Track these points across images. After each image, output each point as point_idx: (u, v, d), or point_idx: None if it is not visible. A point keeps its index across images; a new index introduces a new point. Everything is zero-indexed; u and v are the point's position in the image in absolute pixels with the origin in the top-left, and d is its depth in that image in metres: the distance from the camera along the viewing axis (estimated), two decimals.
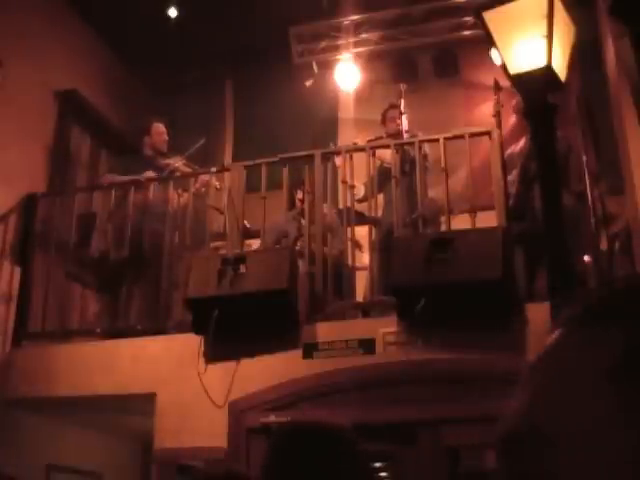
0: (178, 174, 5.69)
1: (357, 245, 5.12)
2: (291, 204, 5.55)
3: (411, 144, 5.19)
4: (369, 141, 5.48)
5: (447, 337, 4.21)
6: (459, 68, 7.32)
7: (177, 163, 5.75)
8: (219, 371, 4.56)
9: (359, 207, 5.19)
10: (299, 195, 5.55)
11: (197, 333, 4.58)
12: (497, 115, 4.83)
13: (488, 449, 3.85)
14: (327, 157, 5.36)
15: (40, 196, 5.81)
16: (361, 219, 5.14)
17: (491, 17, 3.14)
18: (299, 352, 4.49)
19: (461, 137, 4.92)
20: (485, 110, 6.13)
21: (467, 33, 7.00)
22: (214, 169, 5.55)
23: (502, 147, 4.79)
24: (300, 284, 4.61)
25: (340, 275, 4.93)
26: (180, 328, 4.86)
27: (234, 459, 4.32)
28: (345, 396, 4.29)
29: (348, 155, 5.15)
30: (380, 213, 5.33)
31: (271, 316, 4.41)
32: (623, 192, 5.08)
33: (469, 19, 6.74)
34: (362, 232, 5.09)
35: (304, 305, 4.65)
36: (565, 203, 3.72)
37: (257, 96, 7.53)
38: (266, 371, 4.47)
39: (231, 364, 4.54)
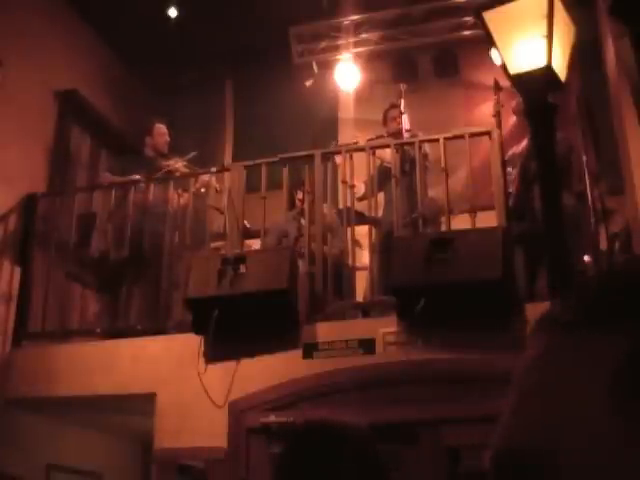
0: (178, 174, 5.69)
1: (357, 243, 5.12)
2: (291, 204, 5.55)
3: (411, 144, 5.19)
4: (369, 140, 5.48)
5: (447, 337, 4.21)
6: (459, 68, 7.32)
7: (177, 164, 5.75)
8: (219, 371, 4.56)
9: (359, 207, 5.19)
10: (299, 195, 5.55)
11: (197, 333, 4.58)
12: (497, 115, 4.83)
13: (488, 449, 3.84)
14: (327, 157, 5.36)
15: (40, 196, 5.81)
16: (361, 219, 5.14)
17: (491, 17, 3.14)
18: (299, 352, 4.48)
19: (461, 137, 4.92)
20: (485, 110, 6.13)
21: (467, 33, 7.00)
22: (214, 169, 5.55)
23: (502, 147, 4.78)
24: (300, 284, 4.61)
25: (340, 275, 4.93)
26: (180, 328, 4.86)
27: (234, 459, 4.32)
28: (345, 396, 4.29)
29: (348, 155, 5.15)
30: (380, 213, 5.33)
31: (271, 316, 4.41)
32: (623, 192, 5.09)
33: (469, 19, 6.74)
34: (362, 232, 5.09)
35: (304, 305, 4.64)
36: (565, 203, 3.72)
37: (257, 96, 7.53)
38: (266, 371, 4.47)
39: (231, 364, 4.54)
